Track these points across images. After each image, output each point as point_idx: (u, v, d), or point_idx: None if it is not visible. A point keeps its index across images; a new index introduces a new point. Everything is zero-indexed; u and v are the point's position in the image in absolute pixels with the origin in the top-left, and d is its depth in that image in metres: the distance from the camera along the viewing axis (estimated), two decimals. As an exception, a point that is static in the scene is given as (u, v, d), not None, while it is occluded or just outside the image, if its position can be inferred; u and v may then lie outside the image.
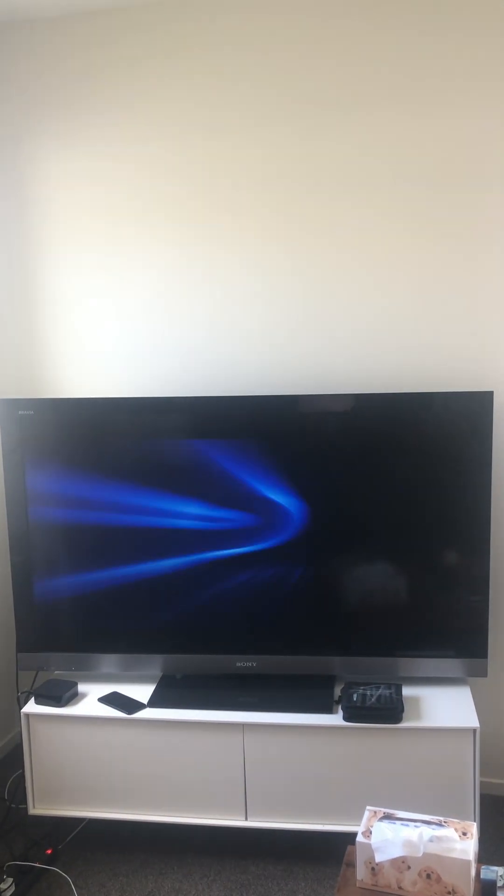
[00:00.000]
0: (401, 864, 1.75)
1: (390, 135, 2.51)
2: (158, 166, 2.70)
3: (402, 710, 2.35)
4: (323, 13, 2.50)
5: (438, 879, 1.73)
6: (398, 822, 1.82)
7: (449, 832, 1.77)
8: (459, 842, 1.75)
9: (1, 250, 2.88)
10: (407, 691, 2.47)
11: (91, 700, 2.55)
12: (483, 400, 2.38)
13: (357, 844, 1.79)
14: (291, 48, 2.54)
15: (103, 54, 2.69)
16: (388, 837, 1.77)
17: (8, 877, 2.36)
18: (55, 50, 2.72)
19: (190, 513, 2.55)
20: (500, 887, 1.74)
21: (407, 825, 1.81)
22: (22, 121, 2.79)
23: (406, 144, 2.50)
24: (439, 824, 1.81)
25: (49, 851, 2.48)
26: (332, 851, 2.44)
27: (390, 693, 2.40)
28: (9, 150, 2.82)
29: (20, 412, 2.57)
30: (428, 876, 1.74)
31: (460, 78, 2.44)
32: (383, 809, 1.88)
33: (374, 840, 1.78)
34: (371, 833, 1.80)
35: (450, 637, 2.49)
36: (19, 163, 2.82)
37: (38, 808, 2.55)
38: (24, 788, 2.55)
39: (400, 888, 1.76)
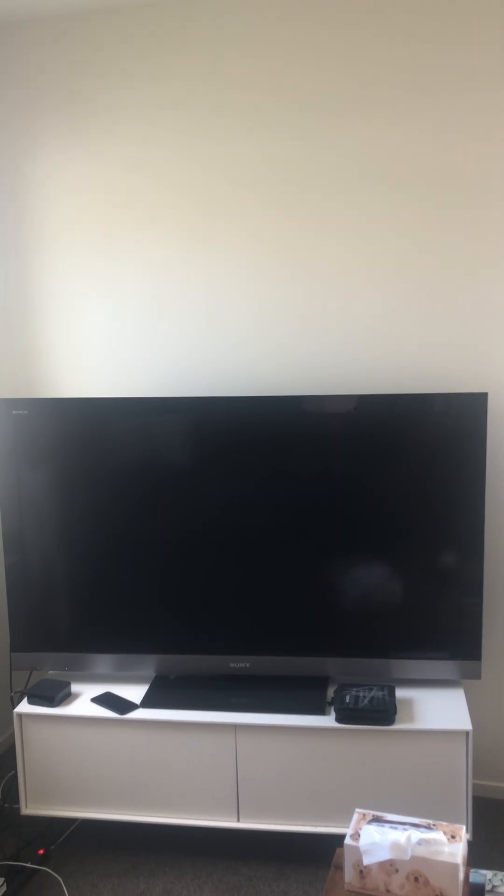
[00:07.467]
0: (389, 867, 1.75)
1: (390, 141, 2.50)
2: (156, 168, 2.69)
3: (395, 712, 2.34)
4: (326, 18, 2.49)
5: (426, 883, 1.72)
6: (387, 825, 1.81)
7: (437, 835, 1.77)
8: (448, 845, 1.74)
9: (-3, 250, 2.89)
10: (400, 693, 2.47)
11: (84, 700, 2.55)
12: (478, 401, 2.38)
13: (345, 847, 1.79)
14: (294, 51, 2.53)
15: (102, 55, 2.68)
16: (377, 840, 1.76)
17: (0, 876, 2.37)
18: (53, 50, 2.72)
19: (186, 514, 2.54)
20: (488, 891, 1.74)
21: (395, 828, 1.80)
22: (19, 122, 2.79)
23: (406, 149, 2.49)
24: (428, 827, 1.80)
25: (41, 852, 2.48)
26: (323, 853, 2.43)
27: (383, 695, 2.40)
28: (6, 150, 2.82)
29: (15, 412, 2.57)
30: (416, 879, 1.73)
31: (466, 88, 2.43)
32: (372, 812, 1.87)
33: (363, 843, 1.77)
34: (359, 836, 1.79)
35: (444, 639, 2.48)
36: (16, 163, 2.81)
37: (30, 809, 2.55)
38: (17, 788, 2.55)
39: (388, 891, 1.75)
